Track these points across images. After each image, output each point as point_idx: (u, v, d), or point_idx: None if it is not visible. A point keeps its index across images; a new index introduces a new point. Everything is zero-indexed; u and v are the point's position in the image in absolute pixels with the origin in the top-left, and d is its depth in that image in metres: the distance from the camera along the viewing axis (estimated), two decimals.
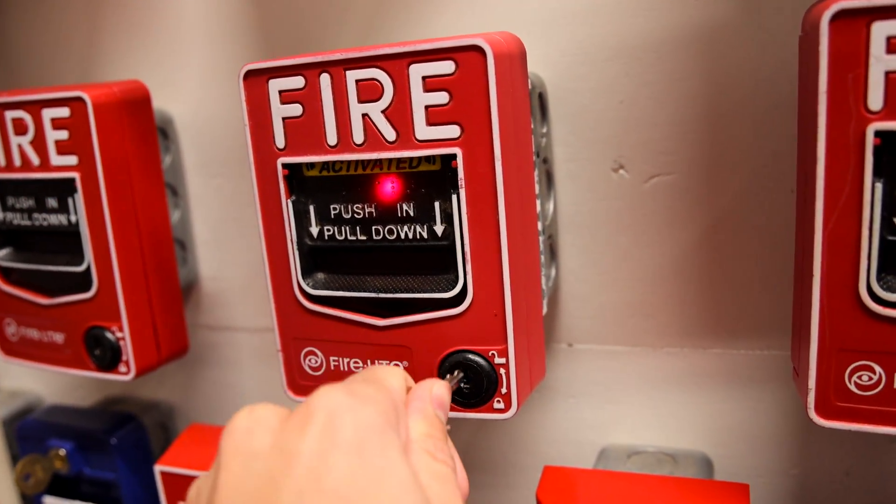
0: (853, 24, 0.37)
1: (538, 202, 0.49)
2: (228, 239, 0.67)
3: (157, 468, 0.59)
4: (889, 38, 0.36)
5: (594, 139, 0.53)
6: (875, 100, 0.37)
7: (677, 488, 0.49)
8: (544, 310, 0.50)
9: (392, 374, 0.39)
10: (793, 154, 0.46)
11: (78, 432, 0.68)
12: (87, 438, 0.67)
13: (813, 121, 0.38)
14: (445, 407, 0.41)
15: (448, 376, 0.44)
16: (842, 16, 0.37)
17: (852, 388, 0.41)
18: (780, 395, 0.53)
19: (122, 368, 0.56)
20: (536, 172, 0.48)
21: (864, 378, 0.40)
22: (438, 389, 0.41)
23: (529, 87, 0.46)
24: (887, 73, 0.36)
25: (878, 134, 0.37)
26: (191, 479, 0.57)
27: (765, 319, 0.52)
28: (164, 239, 0.59)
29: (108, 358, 0.56)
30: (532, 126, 0.47)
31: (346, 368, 0.48)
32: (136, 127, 0.55)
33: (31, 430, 0.70)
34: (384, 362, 0.47)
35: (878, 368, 0.40)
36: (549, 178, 0.54)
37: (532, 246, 0.46)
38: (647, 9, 0.50)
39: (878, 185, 0.38)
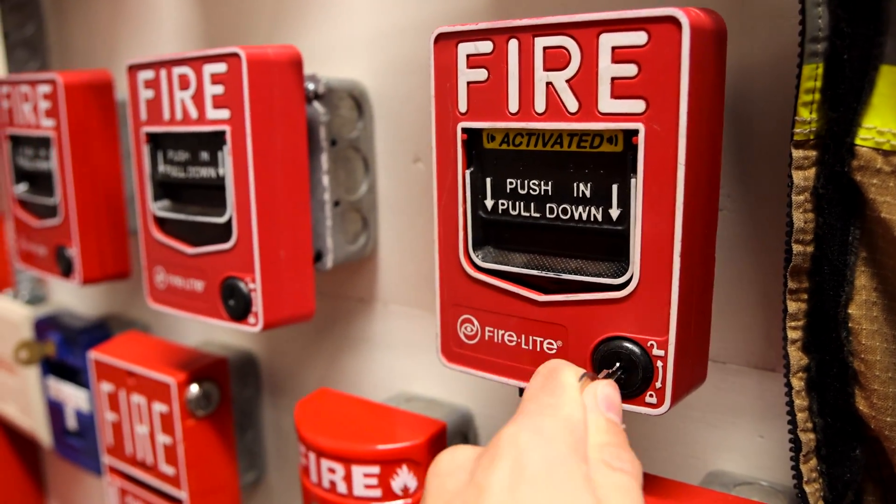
0: (448, 45, 0.46)
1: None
2: None
3: (90, 355, 0.78)
4: (468, 56, 0.46)
5: None
6: (462, 103, 0.47)
7: (397, 418, 0.60)
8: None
9: (568, 388, 0.38)
10: None
11: (68, 329, 0.90)
12: (71, 334, 0.90)
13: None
14: (616, 406, 0.39)
15: (605, 371, 0.41)
16: (441, 38, 0.47)
17: (462, 337, 0.49)
18: None
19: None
20: None
21: (469, 329, 0.49)
22: (604, 390, 0.39)
23: None
24: (468, 83, 0.46)
25: (464, 130, 0.47)
26: (113, 367, 0.75)
27: None
28: None
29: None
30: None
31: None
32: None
33: (43, 324, 0.94)
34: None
35: (476, 321, 0.49)
36: None
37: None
38: None
39: (468, 173, 0.48)
